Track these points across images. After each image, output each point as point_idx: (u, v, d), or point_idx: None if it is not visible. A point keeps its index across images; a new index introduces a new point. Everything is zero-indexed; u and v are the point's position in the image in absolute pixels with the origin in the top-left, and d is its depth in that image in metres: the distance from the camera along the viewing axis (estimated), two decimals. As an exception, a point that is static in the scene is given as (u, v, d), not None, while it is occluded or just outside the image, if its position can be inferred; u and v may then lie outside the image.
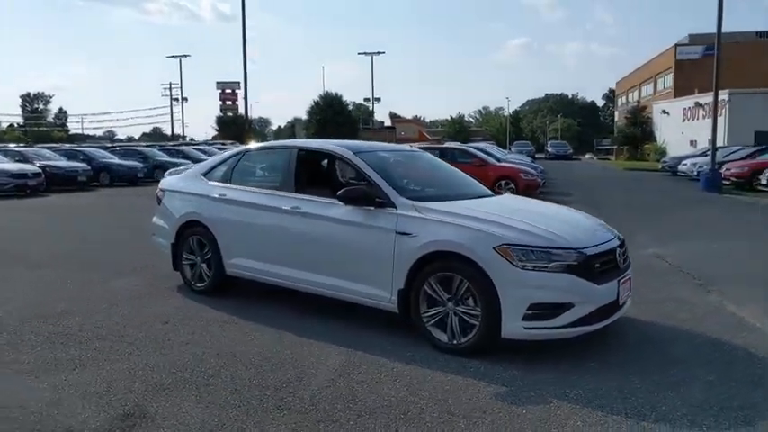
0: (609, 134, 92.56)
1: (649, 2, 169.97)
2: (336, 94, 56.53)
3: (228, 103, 79.52)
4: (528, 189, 14.88)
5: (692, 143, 35.67)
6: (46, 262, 7.39)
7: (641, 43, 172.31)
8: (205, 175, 5.97)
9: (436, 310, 4.19)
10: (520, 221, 4.19)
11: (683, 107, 37.97)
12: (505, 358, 3.97)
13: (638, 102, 48.05)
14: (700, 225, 11.65)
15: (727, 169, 18.69)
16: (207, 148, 30.31)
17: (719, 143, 31.10)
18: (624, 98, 68.71)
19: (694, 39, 49.62)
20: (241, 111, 76.16)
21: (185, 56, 70.48)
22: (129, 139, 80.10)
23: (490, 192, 5.43)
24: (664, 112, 41.61)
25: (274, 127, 72.39)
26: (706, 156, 24.90)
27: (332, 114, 54.24)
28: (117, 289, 5.99)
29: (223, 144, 37.90)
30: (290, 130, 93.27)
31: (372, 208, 4.54)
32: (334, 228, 4.75)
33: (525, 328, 3.87)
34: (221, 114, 68.33)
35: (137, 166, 22.84)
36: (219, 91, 79.07)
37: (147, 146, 30.80)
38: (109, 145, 38.11)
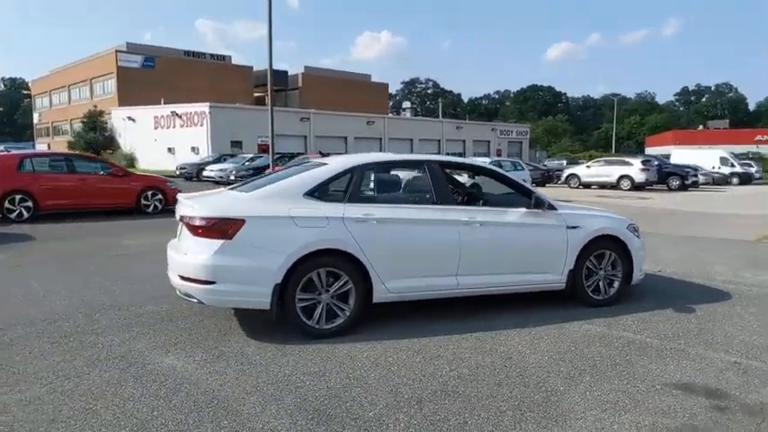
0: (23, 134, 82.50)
1: None
2: None
3: None
4: (173, 199, 14.31)
5: (170, 150, 38.51)
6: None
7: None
8: (312, 195, 4.88)
9: (593, 278, 5.85)
10: (608, 210, 6.36)
11: (155, 115, 40.09)
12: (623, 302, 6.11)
13: (96, 107, 46.82)
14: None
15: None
16: None
17: (204, 151, 35.36)
18: (47, 99, 64.27)
19: (132, 48, 52.29)
20: None
21: None
22: None
23: None
24: (129, 118, 42.49)
25: None
26: (223, 162, 28.45)
27: None
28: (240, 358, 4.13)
29: None
30: None
31: (541, 210, 5.61)
32: (514, 231, 5.48)
33: (640, 275, 6.16)
34: None
35: None
36: None
37: None
38: None
